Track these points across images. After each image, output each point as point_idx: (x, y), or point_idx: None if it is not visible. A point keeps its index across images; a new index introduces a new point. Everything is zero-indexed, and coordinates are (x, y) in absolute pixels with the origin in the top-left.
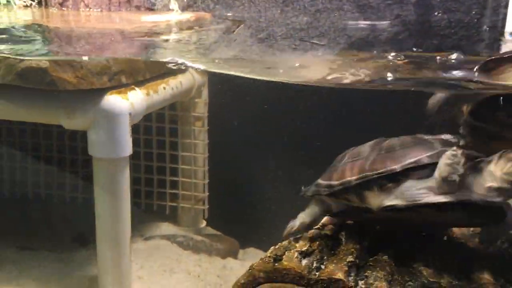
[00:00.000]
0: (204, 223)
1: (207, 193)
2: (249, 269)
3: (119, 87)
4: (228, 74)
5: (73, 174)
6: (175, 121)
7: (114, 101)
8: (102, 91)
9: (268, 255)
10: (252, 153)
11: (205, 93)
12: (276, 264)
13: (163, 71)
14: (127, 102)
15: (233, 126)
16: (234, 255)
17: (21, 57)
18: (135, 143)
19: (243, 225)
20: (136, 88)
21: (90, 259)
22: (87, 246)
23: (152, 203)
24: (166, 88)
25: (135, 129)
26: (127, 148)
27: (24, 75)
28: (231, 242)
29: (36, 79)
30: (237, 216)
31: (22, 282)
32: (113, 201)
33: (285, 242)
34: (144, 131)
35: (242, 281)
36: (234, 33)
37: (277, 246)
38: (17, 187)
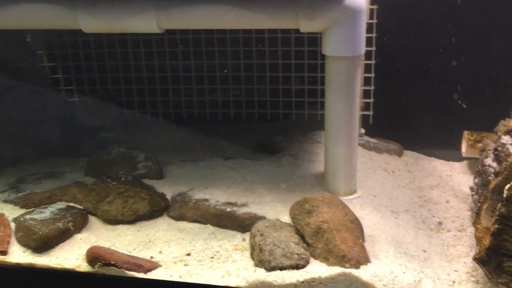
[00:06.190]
0: (363, 130)
1: (372, 100)
2: None
3: None
4: None
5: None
6: None
7: None
8: None
9: None
10: (417, 63)
11: None
12: None
13: None
14: None
15: (402, 34)
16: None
17: None
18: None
19: (398, 133)
20: None
21: (295, 163)
22: (275, 155)
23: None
24: None
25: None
26: (363, 46)
27: None
28: (397, 144)
29: None
30: (394, 123)
31: (251, 178)
32: (347, 99)
33: None
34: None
35: None
36: None
37: None
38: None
